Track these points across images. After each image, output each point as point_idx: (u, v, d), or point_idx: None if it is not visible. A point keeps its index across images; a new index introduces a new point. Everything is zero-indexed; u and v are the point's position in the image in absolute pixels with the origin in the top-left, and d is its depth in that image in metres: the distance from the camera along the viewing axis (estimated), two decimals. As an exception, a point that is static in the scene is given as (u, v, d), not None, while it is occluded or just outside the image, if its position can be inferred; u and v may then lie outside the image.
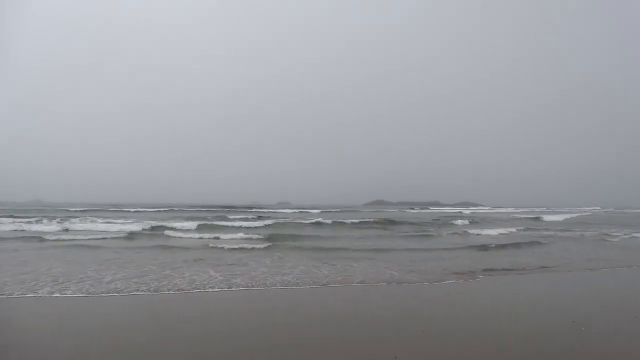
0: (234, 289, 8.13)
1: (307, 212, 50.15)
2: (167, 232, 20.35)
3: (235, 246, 14.72)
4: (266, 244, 15.52)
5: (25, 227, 21.54)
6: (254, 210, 53.86)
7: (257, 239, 17.83)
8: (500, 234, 22.14)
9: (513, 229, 24.43)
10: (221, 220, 29.04)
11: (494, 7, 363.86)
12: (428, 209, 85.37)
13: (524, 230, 24.92)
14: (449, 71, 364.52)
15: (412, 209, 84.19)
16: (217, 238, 17.96)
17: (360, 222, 28.81)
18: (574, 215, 47.23)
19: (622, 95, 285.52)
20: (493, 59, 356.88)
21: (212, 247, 14.73)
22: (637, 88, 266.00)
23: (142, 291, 7.78)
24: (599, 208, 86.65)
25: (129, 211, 43.71)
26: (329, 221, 28.56)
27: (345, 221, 29.04)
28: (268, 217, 31.97)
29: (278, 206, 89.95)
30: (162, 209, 49.55)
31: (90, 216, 30.93)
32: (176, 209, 52.60)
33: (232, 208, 62.26)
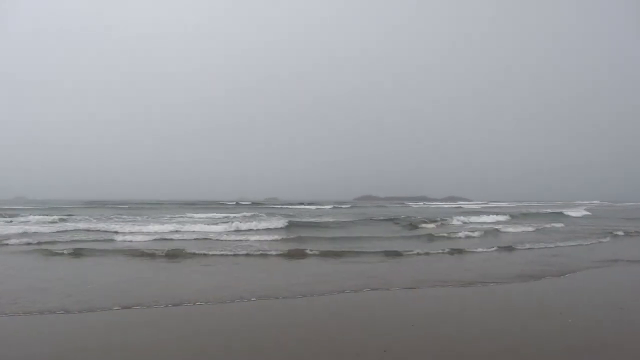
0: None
1: (320, 207, 47.99)
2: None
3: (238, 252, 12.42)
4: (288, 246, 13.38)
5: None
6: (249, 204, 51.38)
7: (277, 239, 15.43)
8: (538, 229, 20.16)
9: (556, 224, 22.90)
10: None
11: (495, 11, 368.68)
12: (421, 203, 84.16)
13: (564, 225, 23.24)
14: (449, 71, 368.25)
15: (403, 204, 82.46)
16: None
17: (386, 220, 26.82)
18: (593, 207, 46.42)
19: (607, 95, 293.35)
20: (490, 59, 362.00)
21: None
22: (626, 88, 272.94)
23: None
24: (597, 202, 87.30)
25: (121, 207, 40.54)
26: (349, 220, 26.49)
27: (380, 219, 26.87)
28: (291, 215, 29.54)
29: (267, 202, 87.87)
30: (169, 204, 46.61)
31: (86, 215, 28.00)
32: (172, 204, 49.66)
33: (221, 203, 60.00)
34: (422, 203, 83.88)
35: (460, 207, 61.07)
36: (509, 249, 13.02)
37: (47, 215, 25.12)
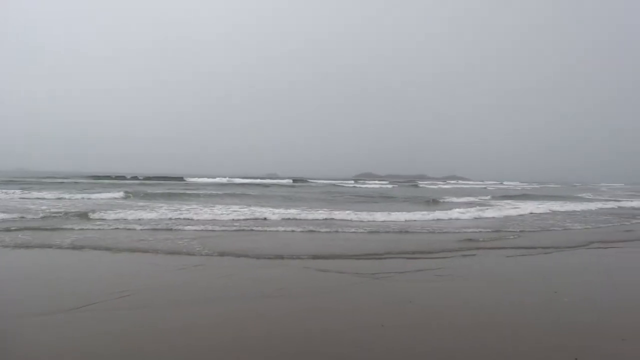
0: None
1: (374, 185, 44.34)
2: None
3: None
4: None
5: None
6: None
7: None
8: None
9: None
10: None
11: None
12: (417, 183, 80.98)
13: None
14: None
15: (415, 183, 78.60)
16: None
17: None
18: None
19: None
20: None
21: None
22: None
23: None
24: (621, 184, 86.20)
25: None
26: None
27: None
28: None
29: (268, 177, 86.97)
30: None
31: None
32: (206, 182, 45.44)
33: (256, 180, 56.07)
34: (441, 183, 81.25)
35: (487, 186, 58.88)
36: None
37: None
